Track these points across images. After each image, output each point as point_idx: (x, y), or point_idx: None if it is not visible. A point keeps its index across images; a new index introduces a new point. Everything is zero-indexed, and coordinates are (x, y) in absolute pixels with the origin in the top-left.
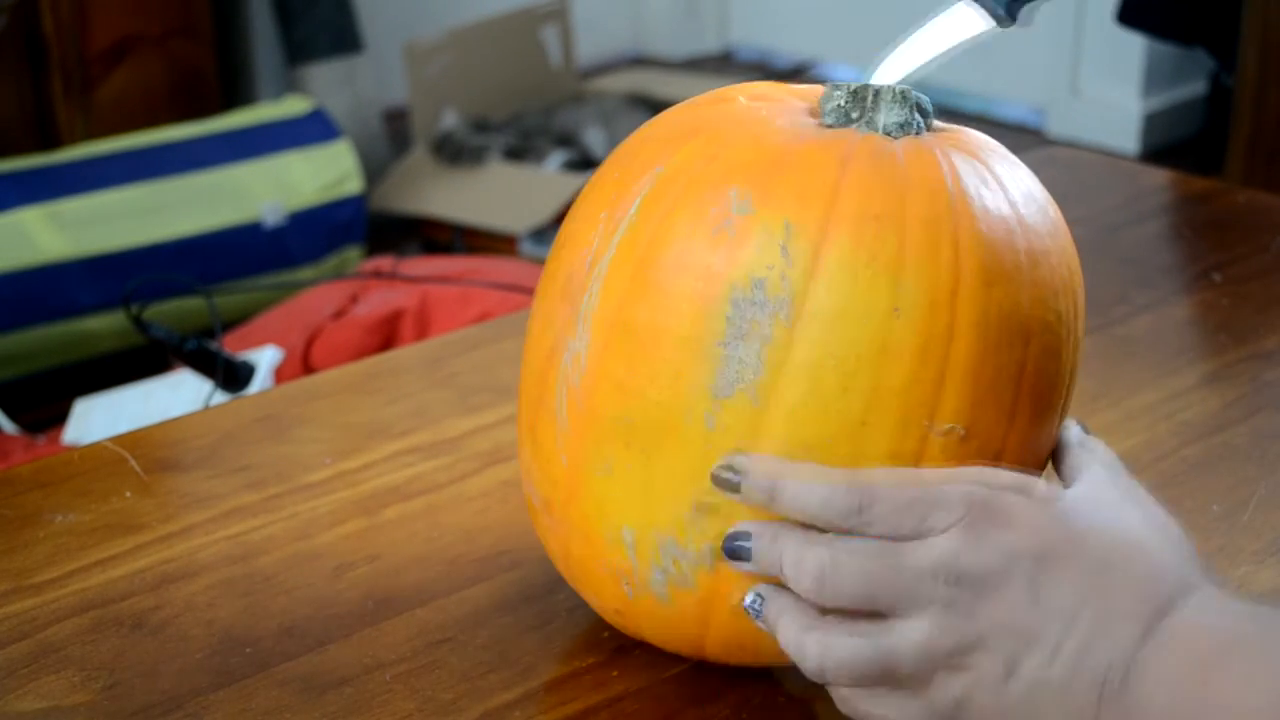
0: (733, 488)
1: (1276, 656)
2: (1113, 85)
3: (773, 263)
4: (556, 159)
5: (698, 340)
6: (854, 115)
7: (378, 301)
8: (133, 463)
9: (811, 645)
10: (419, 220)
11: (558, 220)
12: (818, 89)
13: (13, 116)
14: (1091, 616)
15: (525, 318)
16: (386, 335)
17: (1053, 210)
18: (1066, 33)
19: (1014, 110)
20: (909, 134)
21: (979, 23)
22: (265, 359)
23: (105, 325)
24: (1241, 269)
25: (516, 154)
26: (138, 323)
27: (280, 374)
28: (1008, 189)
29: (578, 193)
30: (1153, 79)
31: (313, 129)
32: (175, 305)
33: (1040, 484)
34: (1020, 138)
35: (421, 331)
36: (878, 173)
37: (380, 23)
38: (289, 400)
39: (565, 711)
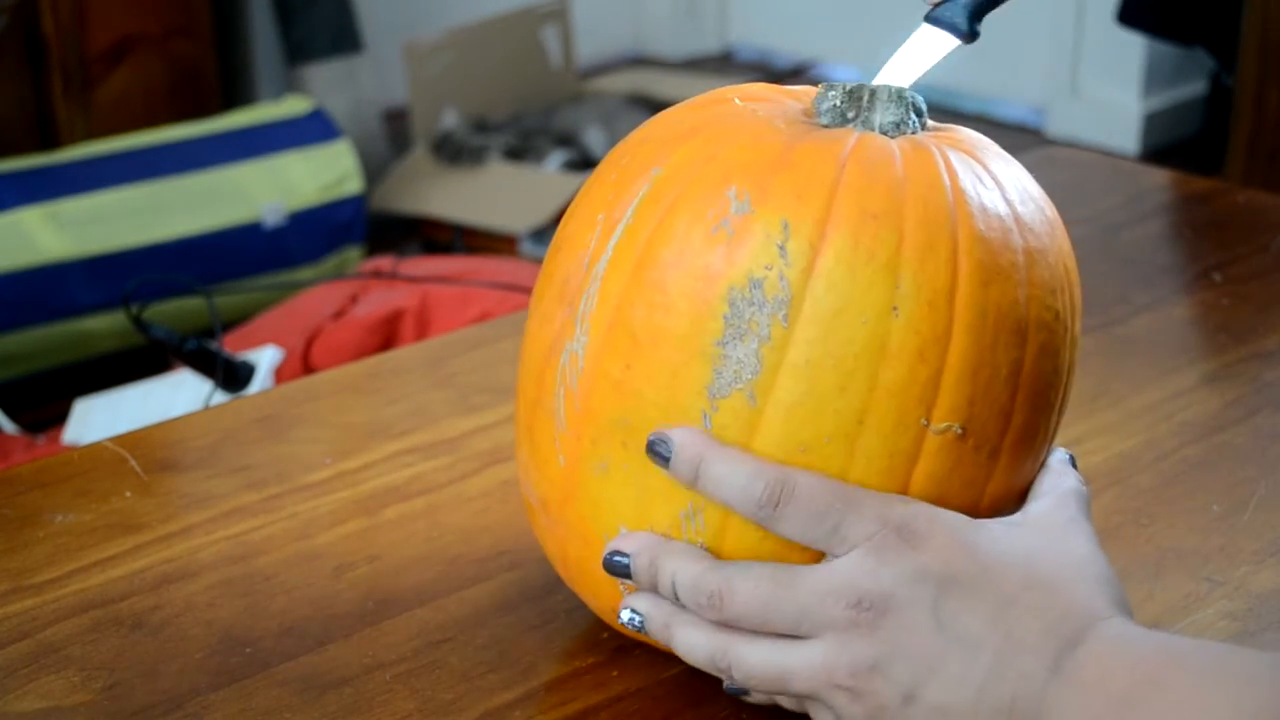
0: (662, 460)
1: (1198, 689)
2: (1113, 85)
3: (771, 262)
4: (556, 159)
5: (695, 340)
6: (850, 115)
7: (378, 301)
8: (133, 463)
9: (716, 655)
10: (419, 220)
11: (557, 220)
12: (810, 90)
13: (13, 116)
14: (996, 647)
15: (525, 318)
16: (386, 335)
17: (1049, 209)
18: (1066, 33)
19: (1014, 110)
20: (905, 133)
21: (946, 42)
22: (265, 359)
23: (105, 325)
24: (1241, 269)
25: (516, 154)
26: (138, 323)
27: (280, 374)
28: (1004, 188)
29: (577, 193)
30: (1153, 79)
31: (313, 129)
32: (175, 305)
33: (959, 515)
34: (1020, 138)
35: (421, 331)
36: (876, 172)
37: (380, 23)
38: (289, 400)
39: (565, 711)
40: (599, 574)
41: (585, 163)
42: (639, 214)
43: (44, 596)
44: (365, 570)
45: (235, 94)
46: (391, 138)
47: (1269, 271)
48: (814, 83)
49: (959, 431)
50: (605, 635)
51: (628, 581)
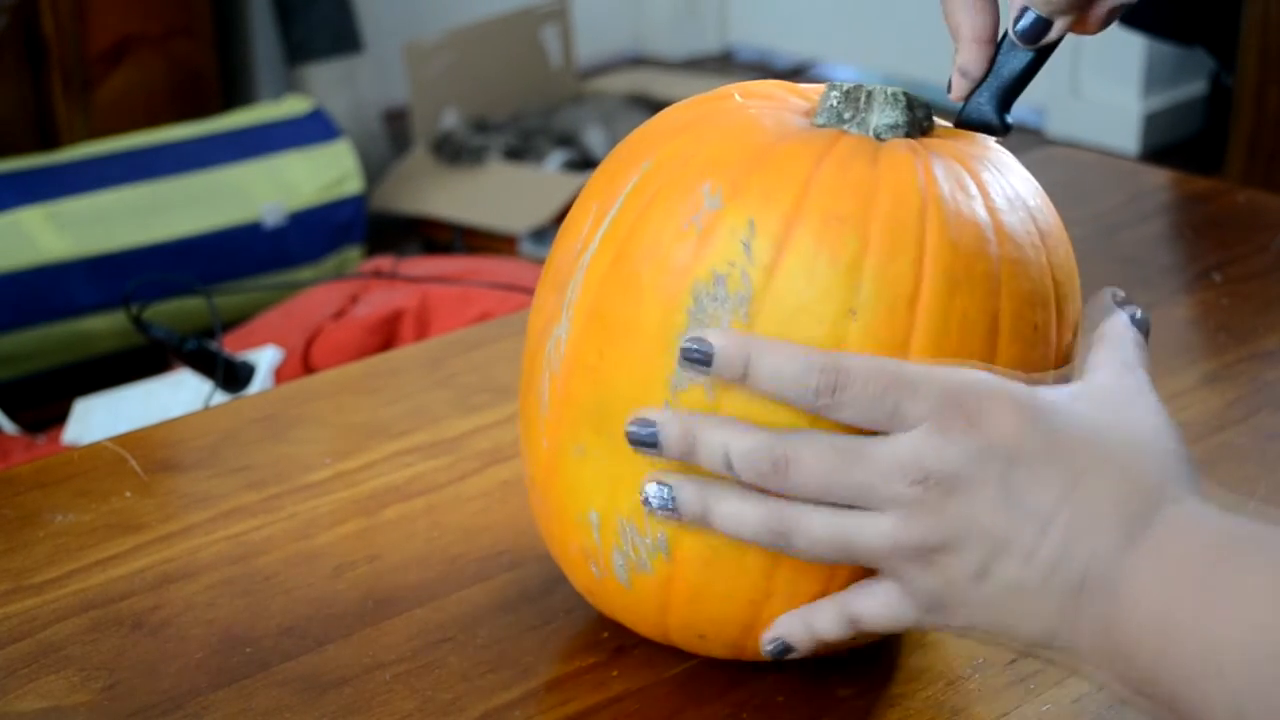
0: (704, 361)
1: (1273, 552)
2: (1113, 85)
3: (735, 259)
4: (556, 159)
5: (661, 333)
6: (846, 116)
7: (378, 301)
8: (133, 463)
9: (772, 522)
10: (419, 220)
11: (558, 220)
12: (820, 89)
13: (13, 116)
14: (1068, 521)
15: (525, 318)
16: (386, 335)
17: (1045, 219)
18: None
19: (1014, 110)
20: (900, 136)
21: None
22: (265, 359)
23: (105, 325)
24: (1241, 269)
25: (516, 154)
26: (138, 323)
27: (280, 374)
28: (990, 196)
29: (577, 193)
30: (1153, 79)
31: (313, 129)
32: (175, 305)
33: (1021, 385)
34: (1020, 138)
35: (421, 331)
36: (848, 174)
37: (380, 23)
38: (289, 400)
39: (565, 711)
40: (574, 553)
41: (585, 163)
42: (625, 206)
43: (44, 596)
44: (365, 570)
45: (235, 94)
46: (391, 138)
47: (1269, 271)
48: (814, 83)
49: None
50: (605, 635)
51: (653, 455)
